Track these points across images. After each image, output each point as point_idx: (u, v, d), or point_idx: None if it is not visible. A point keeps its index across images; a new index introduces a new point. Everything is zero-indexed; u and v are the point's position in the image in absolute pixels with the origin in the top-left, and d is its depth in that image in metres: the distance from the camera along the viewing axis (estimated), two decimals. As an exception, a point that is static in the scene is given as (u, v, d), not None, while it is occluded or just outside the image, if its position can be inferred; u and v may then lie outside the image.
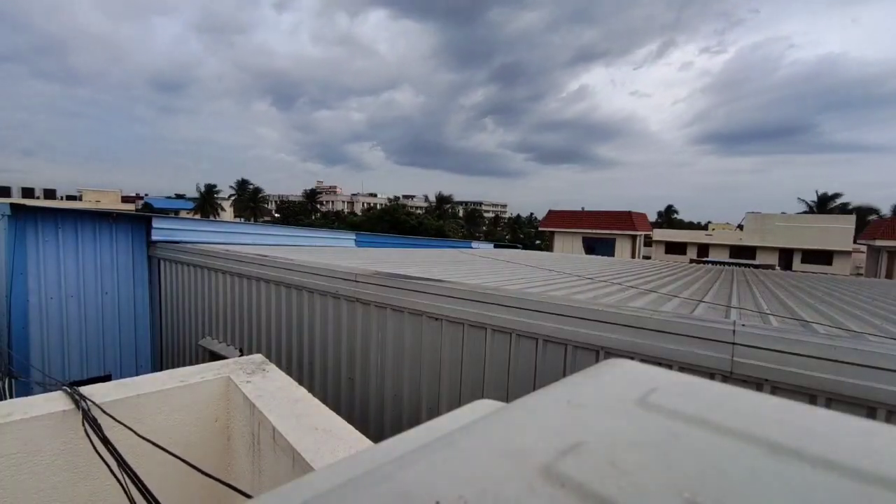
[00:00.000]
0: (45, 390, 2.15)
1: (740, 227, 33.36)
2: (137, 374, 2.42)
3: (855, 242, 27.54)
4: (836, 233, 27.77)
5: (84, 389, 2.10)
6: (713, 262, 19.05)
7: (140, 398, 2.15)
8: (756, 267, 13.58)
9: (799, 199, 43.02)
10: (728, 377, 2.12)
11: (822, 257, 28.13)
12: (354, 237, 10.15)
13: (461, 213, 72.97)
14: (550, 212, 34.58)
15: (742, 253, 30.12)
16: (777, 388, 2.01)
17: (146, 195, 63.63)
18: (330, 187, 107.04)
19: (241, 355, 3.09)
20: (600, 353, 2.51)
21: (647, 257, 32.16)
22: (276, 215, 67.72)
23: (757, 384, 2.05)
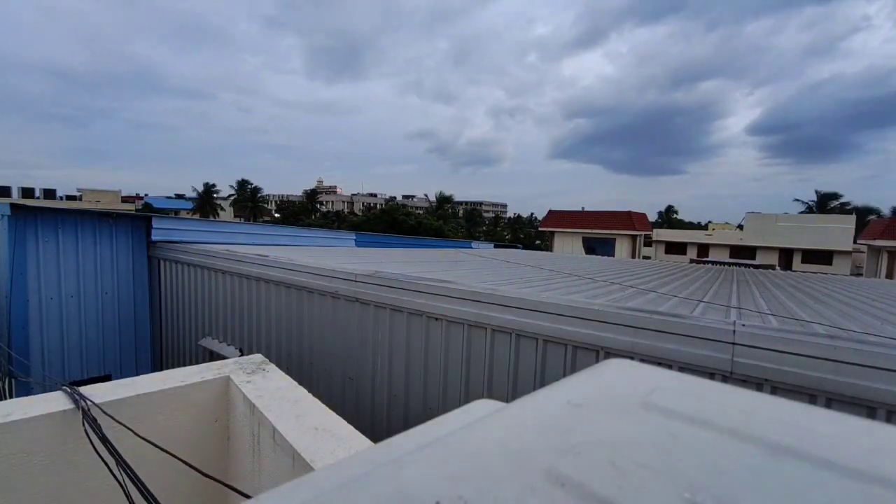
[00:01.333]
0: (45, 390, 2.15)
1: (740, 227, 33.36)
2: (137, 374, 2.42)
3: (855, 242, 27.54)
4: (836, 233, 27.78)
5: (84, 389, 2.09)
6: (713, 262, 19.03)
7: (140, 398, 2.15)
8: (756, 267, 13.56)
9: (797, 199, 43.02)
10: (728, 377, 2.12)
11: (823, 257, 28.12)
12: (354, 237, 10.16)
13: (461, 213, 73.02)
14: (550, 212, 34.60)
15: (742, 253, 30.10)
16: (777, 388, 2.01)
17: (146, 195, 63.72)
18: (330, 187, 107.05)
19: (241, 355, 3.09)
20: (600, 353, 2.51)
21: (646, 257, 32.15)
22: (276, 215, 67.79)
23: (757, 384, 2.05)
